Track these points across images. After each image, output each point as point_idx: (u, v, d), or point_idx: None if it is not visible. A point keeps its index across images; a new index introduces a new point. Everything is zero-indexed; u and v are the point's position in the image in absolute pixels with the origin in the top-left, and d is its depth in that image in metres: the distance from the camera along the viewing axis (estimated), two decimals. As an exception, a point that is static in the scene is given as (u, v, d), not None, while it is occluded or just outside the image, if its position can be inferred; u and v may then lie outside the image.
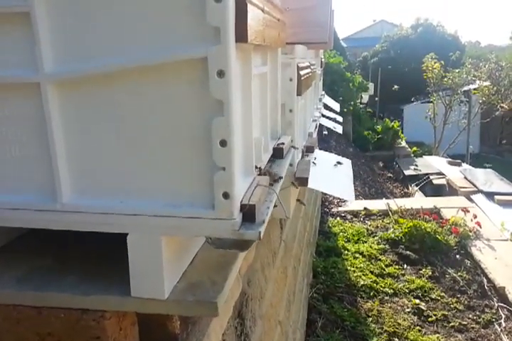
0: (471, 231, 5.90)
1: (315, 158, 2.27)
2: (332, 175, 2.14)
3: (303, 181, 1.70)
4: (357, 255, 5.67)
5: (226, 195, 0.81)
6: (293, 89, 1.69)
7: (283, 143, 1.39)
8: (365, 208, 6.99)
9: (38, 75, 0.82)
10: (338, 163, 2.42)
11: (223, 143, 0.78)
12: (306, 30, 1.63)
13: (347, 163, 2.35)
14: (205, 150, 0.80)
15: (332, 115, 4.62)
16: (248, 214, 0.84)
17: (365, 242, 6.03)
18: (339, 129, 4.10)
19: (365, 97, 16.99)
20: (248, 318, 1.75)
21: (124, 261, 0.93)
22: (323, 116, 4.06)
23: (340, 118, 4.83)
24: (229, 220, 0.82)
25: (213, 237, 0.88)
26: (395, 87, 18.34)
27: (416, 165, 13.04)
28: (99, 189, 0.88)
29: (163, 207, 0.85)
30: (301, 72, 1.78)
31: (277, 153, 1.32)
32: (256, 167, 1.04)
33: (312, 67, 2.59)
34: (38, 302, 0.95)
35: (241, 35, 0.76)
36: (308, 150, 2.25)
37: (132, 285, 0.91)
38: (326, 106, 4.96)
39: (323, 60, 4.67)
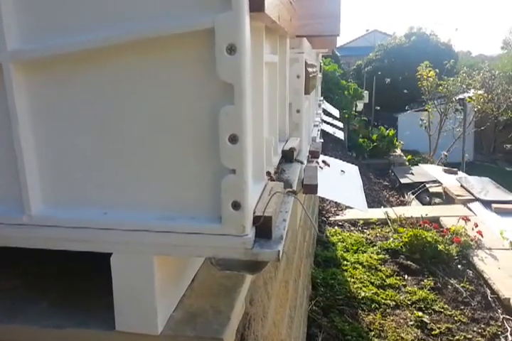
0: (472, 241, 5.76)
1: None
2: (340, 183, 1.98)
3: (312, 189, 1.53)
4: (356, 265, 5.50)
5: (236, 205, 0.64)
6: (300, 87, 1.53)
7: (293, 146, 1.22)
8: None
9: (0, 54, 0.66)
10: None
11: (233, 138, 0.61)
12: (316, 21, 1.47)
13: (354, 169, 2.19)
14: (211, 148, 0.64)
15: (332, 121, 4.49)
16: (263, 228, 0.68)
17: (365, 252, 5.86)
18: (340, 135, 3.96)
19: (360, 105, 16.92)
20: (250, 341, 1.57)
21: (110, 285, 0.76)
22: (324, 121, 3.91)
23: (340, 124, 4.69)
24: (240, 236, 0.65)
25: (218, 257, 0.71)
26: (388, 80, 18.33)
27: (412, 174, 12.98)
28: (76, 197, 0.71)
29: (157, 220, 0.68)
30: (309, 70, 1.63)
31: (287, 156, 1.16)
32: (268, 172, 0.88)
33: (314, 68, 2.45)
34: (1, 337, 0.77)
35: (256, 3, 0.60)
36: (313, 155, 2.09)
37: (117, 317, 0.73)
38: (325, 112, 4.83)
39: (321, 64, 4.55)
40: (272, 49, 1.06)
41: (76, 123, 0.69)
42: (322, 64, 8.32)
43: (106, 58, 0.64)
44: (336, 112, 5.85)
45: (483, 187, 9.48)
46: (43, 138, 0.70)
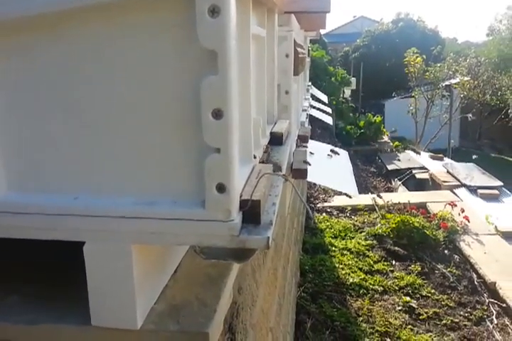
0: (459, 226, 5.81)
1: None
2: (330, 167, 1.93)
3: (301, 173, 1.48)
4: (345, 251, 5.52)
5: (221, 188, 0.58)
6: (289, 67, 1.46)
7: (282, 128, 1.16)
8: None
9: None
10: (333, 151, 2.20)
11: (218, 113, 0.55)
12: (305, -3, 1.40)
13: (344, 154, 2.14)
14: (192, 124, 0.57)
15: (321, 106, 4.42)
16: (251, 213, 0.62)
17: (353, 238, 5.88)
18: (329, 120, 3.90)
19: (348, 92, 16.86)
20: (239, 331, 1.53)
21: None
22: (312, 107, 3.85)
23: (329, 110, 4.63)
24: (225, 222, 0.59)
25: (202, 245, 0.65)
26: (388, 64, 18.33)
27: (398, 160, 13.06)
28: (44, 181, 0.64)
29: (134, 205, 0.61)
30: (298, 50, 1.55)
31: (276, 139, 1.10)
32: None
33: (303, 50, 2.37)
34: (-33, 335, 0.71)
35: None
36: (302, 139, 2.03)
37: (92, 311, 0.67)
38: (314, 97, 4.76)
39: (310, 48, 4.47)
40: (259, 22, 0.98)
41: (40, 101, 0.61)
42: (310, 49, 8.22)
43: (68, 25, 0.57)
44: (324, 98, 5.78)
45: (469, 173, 9.58)
46: (4, 119, 0.62)
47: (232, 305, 1.45)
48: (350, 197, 6.72)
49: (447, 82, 14.34)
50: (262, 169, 0.76)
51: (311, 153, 1.78)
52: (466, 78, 14.41)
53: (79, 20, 0.57)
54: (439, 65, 14.54)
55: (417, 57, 14.05)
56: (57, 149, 0.64)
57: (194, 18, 0.53)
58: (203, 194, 0.59)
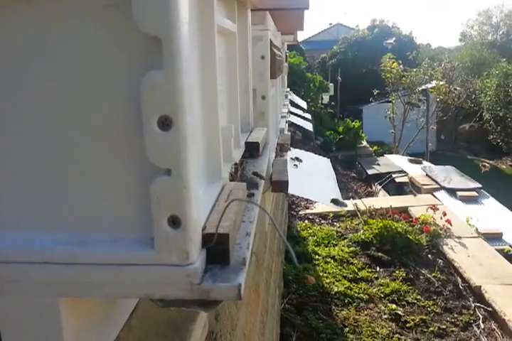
0: (441, 230, 5.79)
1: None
2: (313, 177, 1.80)
3: (282, 186, 1.34)
4: (328, 259, 5.41)
5: (175, 221, 0.43)
6: (265, 70, 1.33)
7: (259, 137, 1.02)
8: None
9: None
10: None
11: (165, 122, 0.40)
12: (281, -8, 1.28)
13: (326, 162, 2.02)
14: (133, 137, 0.43)
15: (300, 112, 4.32)
16: (217, 250, 0.47)
17: (336, 245, 5.78)
18: (309, 127, 3.79)
19: (326, 98, 16.94)
20: (217, 362, 1.38)
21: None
22: (291, 113, 3.74)
23: (308, 116, 4.53)
24: (182, 267, 0.44)
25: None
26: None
27: (378, 164, 13.15)
28: None
29: (62, 246, 0.46)
30: (275, 51, 1.43)
31: (252, 150, 0.96)
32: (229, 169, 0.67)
33: (280, 52, 2.25)
34: None
35: None
36: (282, 148, 1.90)
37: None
38: (293, 103, 4.65)
39: (287, 53, 4.37)
40: (228, 15, 0.84)
41: None
42: (287, 55, 8.16)
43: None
44: (303, 104, 5.69)
45: (448, 175, 9.64)
46: None
47: (208, 335, 1.29)
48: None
49: (423, 87, 14.57)
50: (233, 189, 0.62)
51: (295, 165, 1.64)
52: (441, 82, 14.68)
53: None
54: (414, 70, 14.77)
55: (393, 62, 14.22)
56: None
57: (129, -6, 0.39)
58: (151, 230, 0.44)
